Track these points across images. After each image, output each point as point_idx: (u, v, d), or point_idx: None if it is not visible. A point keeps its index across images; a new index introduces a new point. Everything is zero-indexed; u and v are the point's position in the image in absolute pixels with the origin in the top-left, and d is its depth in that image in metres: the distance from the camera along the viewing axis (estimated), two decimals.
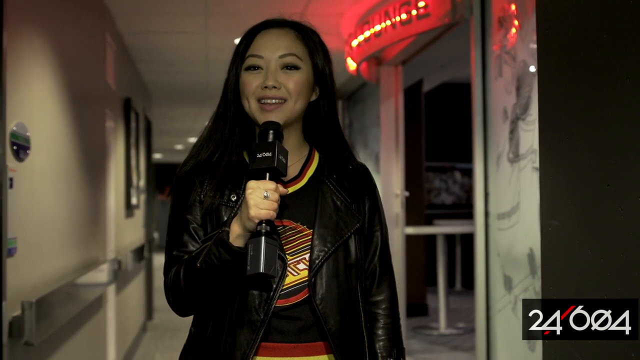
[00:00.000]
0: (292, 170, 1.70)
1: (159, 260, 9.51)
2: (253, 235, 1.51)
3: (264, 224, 1.50)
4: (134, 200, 6.54)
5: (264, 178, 1.53)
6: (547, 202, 1.87)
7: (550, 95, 1.88)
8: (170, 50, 6.74)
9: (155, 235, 10.44)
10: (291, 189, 1.68)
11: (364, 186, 1.76)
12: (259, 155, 1.54)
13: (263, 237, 1.49)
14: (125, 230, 6.15)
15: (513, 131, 3.78)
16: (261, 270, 1.48)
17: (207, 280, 1.56)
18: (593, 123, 1.67)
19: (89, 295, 4.15)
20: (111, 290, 5.27)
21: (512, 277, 3.83)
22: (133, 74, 7.09)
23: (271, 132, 1.57)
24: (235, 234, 1.53)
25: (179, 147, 16.65)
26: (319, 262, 1.62)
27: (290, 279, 1.62)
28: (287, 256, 1.63)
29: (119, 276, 5.40)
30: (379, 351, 1.71)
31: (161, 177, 18.87)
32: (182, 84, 8.39)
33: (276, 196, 1.52)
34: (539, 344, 3.15)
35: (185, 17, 5.59)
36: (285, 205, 1.63)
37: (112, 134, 5.48)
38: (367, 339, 1.70)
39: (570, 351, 1.64)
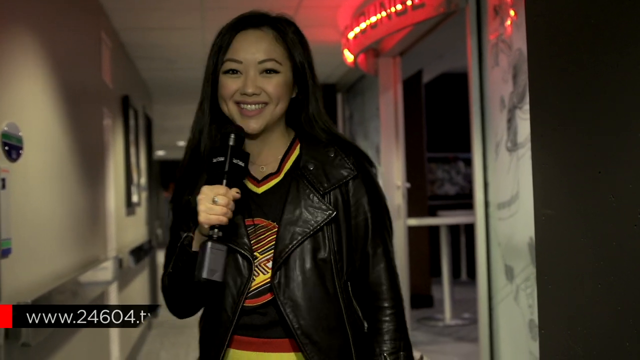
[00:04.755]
0: (272, 167, 1.69)
1: (162, 257, 9.49)
2: (204, 240, 1.52)
3: (216, 230, 1.51)
4: (134, 198, 6.53)
5: (221, 183, 1.53)
6: (541, 190, 1.84)
7: (541, 84, 1.86)
8: (169, 47, 6.72)
9: (159, 231, 10.44)
10: (268, 185, 1.67)
11: (346, 173, 1.67)
12: (214, 160, 1.55)
13: (208, 243, 1.49)
14: (126, 228, 6.14)
15: (511, 120, 3.75)
16: (203, 276, 1.47)
17: (181, 283, 1.62)
18: (584, 110, 1.65)
19: (90, 294, 4.14)
20: (113, 288, 5.26)
21: (513, 267, 3.80)
22: (131, 71, 7.07)
23: (232, 136, 1.56)
24: (196, 238, 1.58)
25: (182, 143, 16.67)
26: (281, 260, 1.58)
27: (260, 278, 1.60)
28: (258, 254, 1.61)
29: (122, 274, 5.38)
30: (385, 348, 1.62)
31: (165, 174, 18.90)
32: (182, 81, 8.35)
33: (226, 200, 1.51)
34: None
35: (182, 12, 5.57)
36: (259, 203, 1.63)
37: (110, 132, 5.46)
38: (351, 334, 1.63)
39: (568, 342, 1.63)
